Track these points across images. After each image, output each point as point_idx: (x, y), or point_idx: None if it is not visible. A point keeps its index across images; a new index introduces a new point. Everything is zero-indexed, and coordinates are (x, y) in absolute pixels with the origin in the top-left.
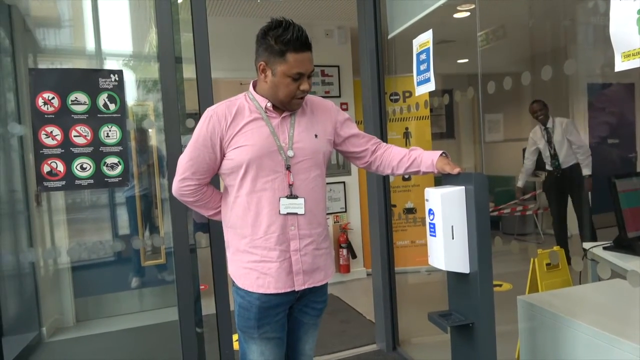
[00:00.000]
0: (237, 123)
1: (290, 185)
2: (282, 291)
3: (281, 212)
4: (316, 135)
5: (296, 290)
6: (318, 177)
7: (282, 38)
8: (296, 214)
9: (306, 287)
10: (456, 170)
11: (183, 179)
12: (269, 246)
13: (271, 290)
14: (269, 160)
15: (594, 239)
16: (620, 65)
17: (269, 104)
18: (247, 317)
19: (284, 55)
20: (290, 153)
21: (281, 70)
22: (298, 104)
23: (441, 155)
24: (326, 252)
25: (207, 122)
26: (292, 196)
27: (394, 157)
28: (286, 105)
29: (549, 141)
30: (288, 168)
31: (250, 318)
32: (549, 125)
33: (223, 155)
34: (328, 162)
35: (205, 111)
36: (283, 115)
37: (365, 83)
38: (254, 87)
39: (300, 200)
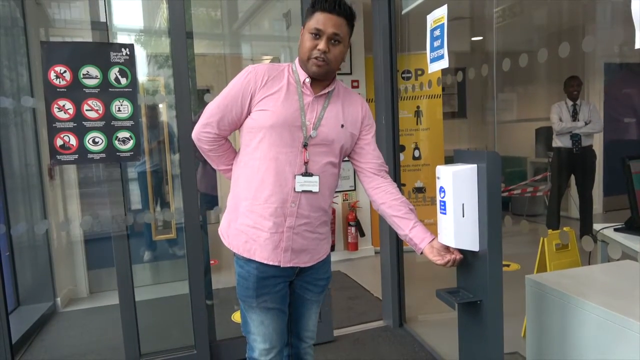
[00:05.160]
0: (271, 86)
1: (306, 164)
2: (266, 262)
3: (296, 190)
4: (343, 125)
5: (281, 266)
6: (329, 164)
7: None
8: (311, 191)
9: (291, 265)
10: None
11: (206, 124)
12: (265, 215)
13: (256, 258)
14: (288, 134)
15: (589, 217)
16: None
17: (307, 80)
18: (245, 287)
19: (313, 13)
20: (313, 133)
21: (307, 27)
22: (316, 66)
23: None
24: (320, 238)
25: (245, 77)
26: (307, 174)
27: (392, 194)
28: (306, 65)
29: (575, 116)
30: (305, 146)
31: (249, 287)
32: (578, 102)
33: (249, 113)
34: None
35: (247, 67)
36: (318, 94)
37: (377, 60)
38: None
39: (315, 178)
